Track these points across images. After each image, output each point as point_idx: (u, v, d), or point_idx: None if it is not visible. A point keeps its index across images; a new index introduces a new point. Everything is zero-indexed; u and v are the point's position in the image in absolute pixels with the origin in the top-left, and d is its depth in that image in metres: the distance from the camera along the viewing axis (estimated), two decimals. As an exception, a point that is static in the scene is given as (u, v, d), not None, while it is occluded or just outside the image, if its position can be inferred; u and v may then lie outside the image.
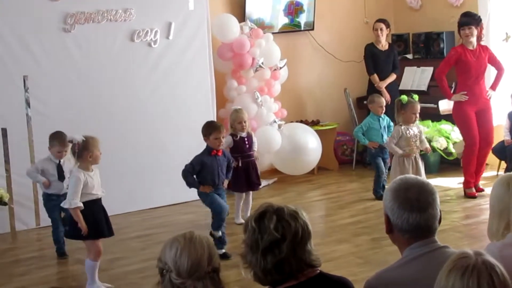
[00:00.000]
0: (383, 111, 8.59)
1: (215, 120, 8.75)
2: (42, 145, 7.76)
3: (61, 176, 6.80)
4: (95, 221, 5.86)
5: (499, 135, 9.16)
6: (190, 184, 6.69)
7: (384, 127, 8.52)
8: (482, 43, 8.55)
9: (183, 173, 6.65)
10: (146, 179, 8.44)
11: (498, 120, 9.25)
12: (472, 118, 8.35)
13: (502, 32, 9.61)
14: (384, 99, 8.77)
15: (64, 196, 6.61)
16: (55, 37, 8.07)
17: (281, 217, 2.87)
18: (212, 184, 6.66)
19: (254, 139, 7.88)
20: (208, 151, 6.66)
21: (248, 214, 7.73)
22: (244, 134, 7.72)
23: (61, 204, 5.95)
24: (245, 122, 7.70)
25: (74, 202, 5.74)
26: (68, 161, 6.68)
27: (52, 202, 6.88)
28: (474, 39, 8.26)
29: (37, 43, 7.97)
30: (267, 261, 2.83)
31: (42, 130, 7.79)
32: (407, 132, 7.72)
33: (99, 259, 5.97)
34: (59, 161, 6.82)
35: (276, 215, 2.87)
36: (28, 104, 7.92)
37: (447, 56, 8.60)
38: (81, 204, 5.75)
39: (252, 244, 2.86)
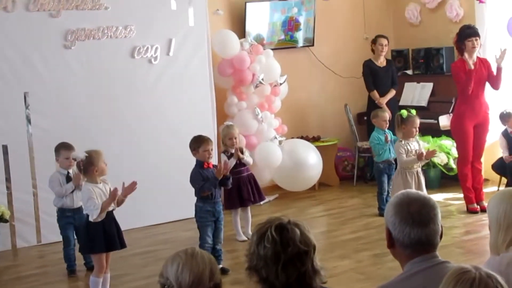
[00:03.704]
0: (387, 125, 8.57)
1: (216, 136, 8.78)
2: (43, 162, 7.79)
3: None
4: (106, 233, 5.89)
5: (498, 151, 9.16)
6: (205, 187, 6.65)
7: (390, 140, 8.49)
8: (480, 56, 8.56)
9: (194, 181, 6.66)
10: (148, 195, 8.42)
11: (496, 137, 9.22)
12: (469, 133, 8.35)
13: (497, 48, 9.55)
14: (387, 113, 8.76)
15: (77, 211, 6.64)
16: (55, 54, 8.10)
17: (302, 231, 2.85)
18: (211, 197, 6.69)
19: (245, 156, 7.81)
20: (200, 164, 6.69)
21: (249, 230, 7.73)
22: (233, 151, 7.72)
23: (89, 219, 5.90)
24: (235, 138, 7.70)
25: (96, 206, 5.77)
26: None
27: (66, 219, 6.87)
28: (477, 51, 8.28)
29: (37, 59, 8.00)
30: (288, 274, 2.79)
31: (43, 147, 7.82)
32: (408, 146, 7.73)
33: (102, 276, 5.98)
34: (68, 173, 6.83)
35: (297, 228, 2.85)
36: (29, 120, 7.94)
37: (455, 74, 8.38)
38: (99, 205, 5.77)
39: (272, 256, 2.79)
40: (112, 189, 5.92)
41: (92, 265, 6.87)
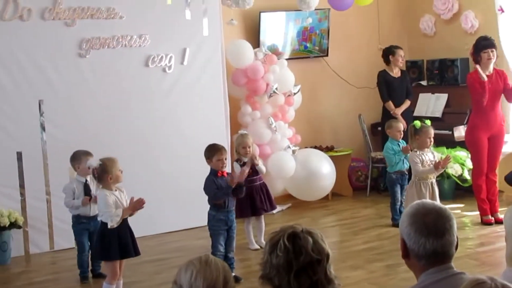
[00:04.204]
0: (402, 136, 8.57)
1: (229, 145, 8.79)
2: (56, 169, 7.81)
3: (88, 195, 6.82)
4: (121, 241, 5.91)
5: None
6: (218, 196, 6.67)
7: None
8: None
9: (208, 189, 6.67)
10: (161, 203, 8.43)
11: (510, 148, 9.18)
12: (484, 145, 8.33)
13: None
14: (402, 124, 8.77)
15: (93, 218, 6.63)
16: (70, 62, 8.13)
17: (315, 239, 2.83)
18: (224, 205, 6.69)
19: (259, 162, 7.83)
20: (214, 173, 6.70)
21: (262, 239, 7.73)
22: (247, 160, 7.72)
23: (108, 226, 5.92)
24: (249, 147, 7.70)
25: (115, 213, 5.83)
26: (92, 182, 6.72)
27: (81, 225, 6.91)
28: (493, 62, 8.25)
29: (52, 67, 8.03)
30: (300, 282, 2.77)
31: (56, 154, 7.85)
32: (422, 157, 7.69)
33: (115, 283, 6.00)
34: (86, 180, 6.85)
35: (310, 236, 2.83)
36: (43, 128, 7.97)
37: (470, 85, 8.37)
38: (120, 211, 5.83)
39: (284, 264, 2.78)
40: (128, 199, 5.96)
41: (99, 272, 6.90)
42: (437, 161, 7.77)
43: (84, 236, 6.91)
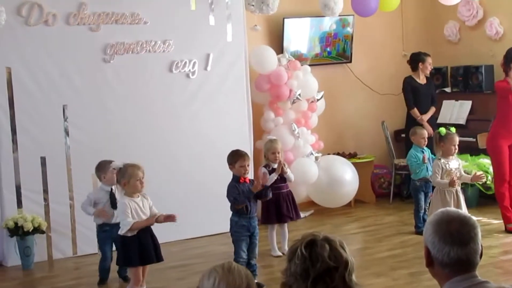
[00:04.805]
0: (426, 143, 8.53)
1: (252, 151, 8.78)
2: (80, 174, 7.86)
3: (113, 204, 6.80)
4: (142, 247, 5.91)
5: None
6: (239, 200, 6.66)
7: (428, 159, 8.44)
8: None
9: (230, 195, 6.68)
10: (184, 209, 8.41)
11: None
12: (505, 152, 8.31)
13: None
14: (426, 131, 8.72)
15: (116, 226, 6.62)
16: (94, 67, 8.16)
17: (333, 246, 2.81)
18: (246, 211, 6.68)
19: (288, 170, 7.82)
20: (236, 179, 6.70)
21: (286, 246, 7.70)
22: (276, 166, 7.69)
23: (118, 232, 5.96)
24: (278, 152, 7.68)
25: (127, 222, 5.84)
26: (117, 190, 6.71)
27: (105, 233, 6.91)
28: None
29: (77, 72, 8.07)
30: None
31: (80, 159, 7.90)
32: (447, 165, 7.65)
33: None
34: (111, 189, 6.85)
35: (327, 243, 2.81)
36: (67, 133, 8.01)
37: (498, 90, 8.41)
38: (129, 222, 5.83)
39: (302, 272, 2.77)
40: (153, 206, 5.97)
41: (125, 275, 6.91)
42: (461, 169, 7.76)
43: (107, 245, 6.92)
